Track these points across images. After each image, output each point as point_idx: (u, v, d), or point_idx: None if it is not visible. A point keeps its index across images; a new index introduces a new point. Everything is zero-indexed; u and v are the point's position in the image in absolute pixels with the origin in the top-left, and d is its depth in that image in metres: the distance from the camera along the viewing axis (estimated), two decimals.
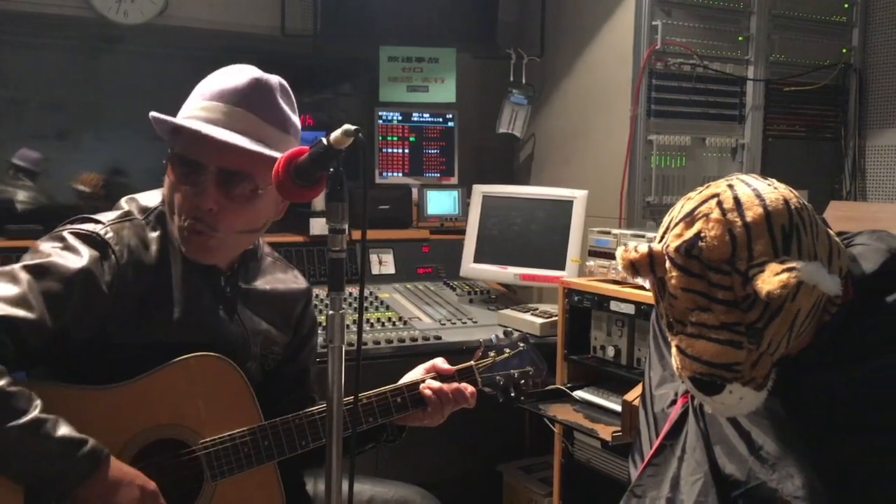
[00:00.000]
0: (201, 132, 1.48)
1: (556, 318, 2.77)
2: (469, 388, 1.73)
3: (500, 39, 3.66)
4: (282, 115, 1.59)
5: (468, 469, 3.29)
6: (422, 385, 1.71)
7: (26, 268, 1.43)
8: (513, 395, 1.83)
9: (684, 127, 3.19)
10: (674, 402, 1.55)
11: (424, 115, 3.67)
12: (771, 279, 1.16)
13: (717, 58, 3.21)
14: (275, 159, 1.35)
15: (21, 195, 4.15)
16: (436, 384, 1.71)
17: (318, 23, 3.46)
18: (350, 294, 2.97)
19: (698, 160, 3.22)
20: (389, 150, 3.61)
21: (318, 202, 3.24)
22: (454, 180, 3.68)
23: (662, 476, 1.47)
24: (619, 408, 2.37)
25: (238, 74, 1.56)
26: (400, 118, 3.65)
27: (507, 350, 1.83)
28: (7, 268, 1.43)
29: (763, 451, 1.39)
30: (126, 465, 1.42)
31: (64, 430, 1.35)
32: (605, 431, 2.40)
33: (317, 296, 2.81)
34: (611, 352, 2.59)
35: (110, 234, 1.51)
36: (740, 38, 3.25)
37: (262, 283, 1.73)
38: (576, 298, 2.67)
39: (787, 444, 1.37)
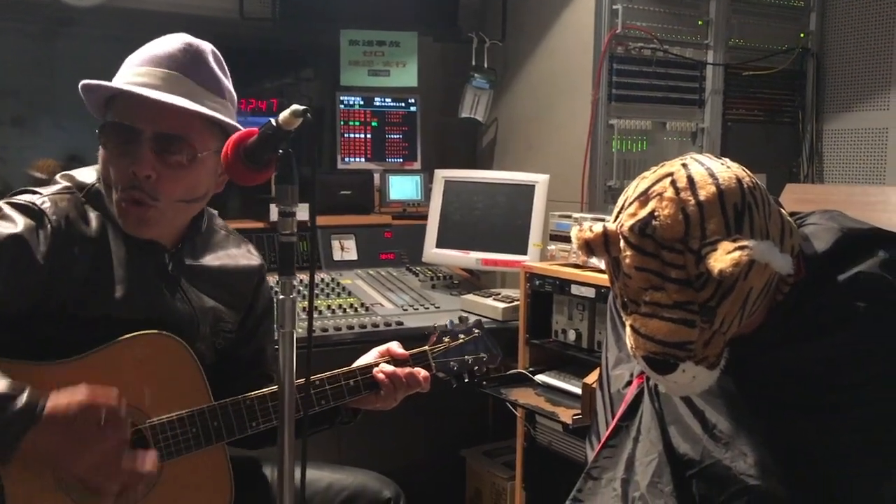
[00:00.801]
0: (141, 94, 1.45)
1: (518, 302, 2.77)
2: (422, 373, 1.73)
3: (461, 23, 3.63)
4: (216, 80, 1.58)
5: (431, 454, 3.28)
6: (375, 369, 1.69)
7: None
8: (466, 380, 1.83)
9: (645, 111, 3.19)
10: (629, 383, 1.56)
11: (386, 100, 3.63)
12: (723, 257, 1.16)
13: (678, 42, 3.22)
14: (214, 122, 1.32)
15: None
16: (389, 368, 1.70)
17: (277, 5, 3.41)
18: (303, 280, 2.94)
19: (659, 144, 3.23)
20: (351, 136, 3.58)
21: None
22: (417, 165, 3.65)
23: (618, 457, 1.48)
24: (579, 391, 2.38)
25: (170, 40, 1.55)
26: (362, 103, 3.61)
27: (462, 336, 1.83)
28: None
29: (717, 429, 1.39)
30: (63, 395, 1.35)
31: None
32: (566, 414, 2.41)
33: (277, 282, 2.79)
34: (572, 335, 2.59)
35: (47, 205, 1.48)
36: (700, 23, 3.26)
37: (210, 259, 1.70)
38: (537, 283, 2.67)
39: (740, 422, 1.38)
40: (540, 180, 3.05)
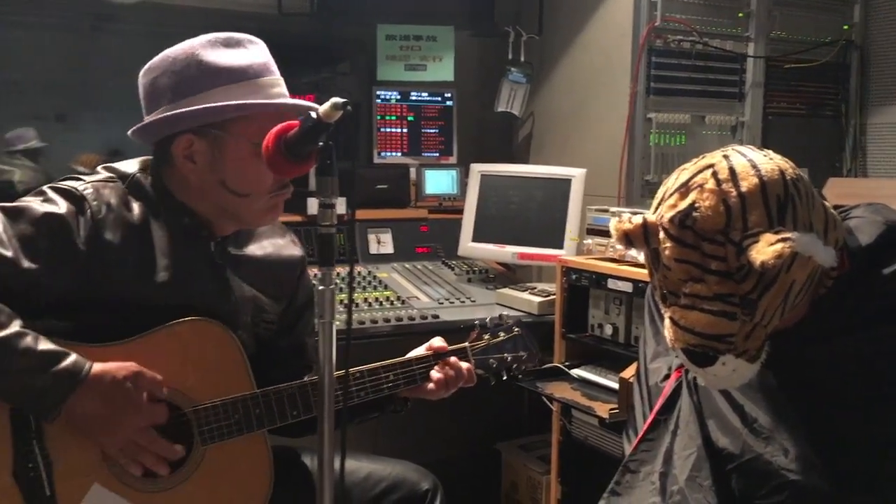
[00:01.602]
0: (293, 104, 1.56)
1: (554, 296, 2.76)
2: (465, 365, 1.74)
3: (498, 17, 3.63)
4: None
5: (466, 447, 3.29)
6: (430, 368, 1.72)
7: (2, 209, 1.44)
8: (504, 378, 1.83)
9: (684, 105, 3.16)
10: (667, 377, 1.55)
11: (423, 95, 3.64)
12: (765, 249, 1.15)
13: (718, 34, 3.18)
14: None
15: (20, 175, 4.15)
16: (444, 368, 1.72)
17: (314, 1, 3.43)
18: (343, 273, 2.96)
19: (698, 138, 3.20)
20: (387, 130, 3.59)
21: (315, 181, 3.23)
22: (453, 160, 3.66)
23: (656, 451, 1.47)
24: (616, 385, 2.37)
25: (251, 48, 1.59)
26: (398, 97, 3.62)
27: (503, 333, 1.83)
28: None
29: (757, 424, 1.38)
30: (107, 365, 1.41)
31: (45, 344, 1.35)
32: (603, 409, 2.40)
33: (315, 275, 2.82)
34: (608, 330, 2.58)
35: (90, 191, 1.51)
36: (741, 15, 3.22)
37: (255, 249, 1.72)
38: (574, 277, 2.66)
39: (780, 416, 1.37)
40: (577, 174, 3.04)
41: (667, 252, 1.26)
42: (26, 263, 1.40)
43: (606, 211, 2.63)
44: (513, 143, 3.82)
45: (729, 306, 1.22)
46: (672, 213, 1.25)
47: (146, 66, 1.59)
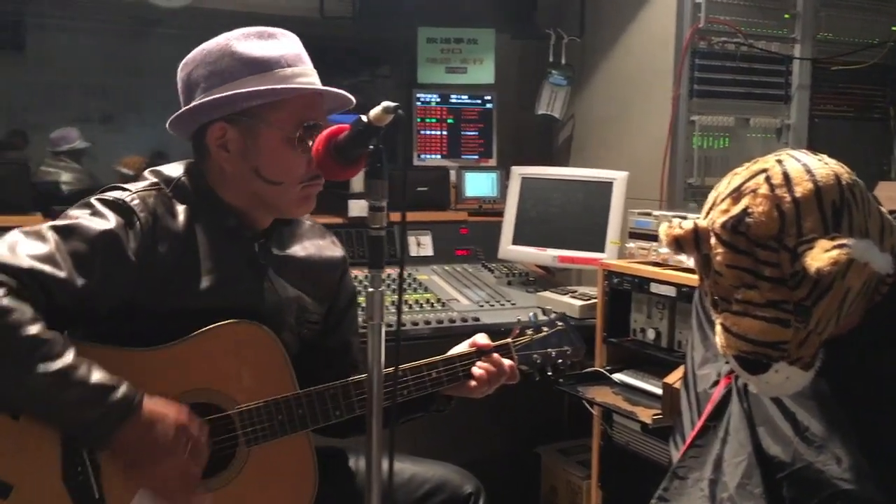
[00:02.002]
0: (326, 89, 1.58)
1: (596, 300, 2.75)
2: (507, 362, 1.73)
3: (539, 19, 3.62)
4: None
5: (505, 450, 3.28)
6: (470, 364, 1.72)
7: (54, 228, 1.45)
8: (549, 374, 1.81)
9: (728, 107, 3.13)
10: (716, 383, 1.53)
11: (462, 97, 3.64)
12: (821, 256, 1.14)
13: (763, 36, 3.14)
14: None
15: (65, 176, 4.23)
16: (486, 365, 1.71)
17: (356, 5, 3.45)
18: (388, 276, 2.97)
19: (742, 141, 3.17)
20: (427, 133, 3.60)
21: (357, 184, 3.25)
22: (492, 162, 3.65)
23: (705, 457, 1.45)
24: (658, 391, 2.35)
25: (283, 39, 1.61)
26: (438, 100, 3.63)
27: (546, 329, 1.81)
28: (34, 227, 1.45)
29: (809, 432, 1.36)
30: (157, 400, 1.42)
31: (98, 375, 1.36)
32: (645, 414, 2.38)
33: (355, 277, 2.83)
34: (651, 334, 2.56)
35: (136, 202, 1.52)
36: (786, 16, 3.18)
37: (297, 250, 1.73)
38: (615, 280, 2.64)
39: (833, 425, 1.34)
40: (618, 177, 3.02)
41: (718, 258, 1.24)
42: (80, 282, 1.42)
43: (649, 214, 2.61)
44: (552, 145, 3.81)
45: (782, 313, 1.21)
46: (724, 218, 1.24)
47: (183, 61, 1.62)
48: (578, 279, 3.39)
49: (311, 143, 1.52)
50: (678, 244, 1.29)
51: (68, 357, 1.34)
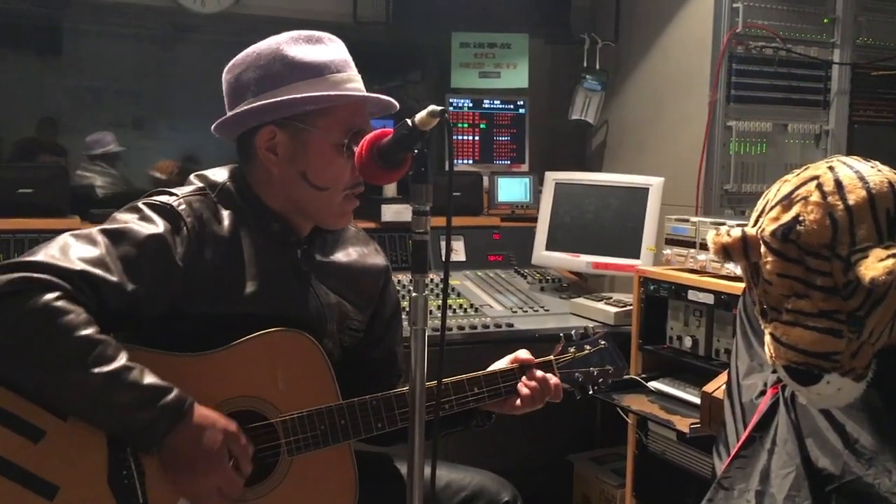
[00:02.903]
0: (376, 97, 1.60)
1: (631, 307, 2.72)
2: (553, 379, 1.71)
3: (573, 24, 3.60)
4: None
5: (539, 458, 3.26)
6: (517, 382, 1.70)
7: (104, 231, 1.46)
8: (591, 393, 1.79)
9: (765, 113, 3.09)
10: (762, 393, 1.50)
11: (495, 102, 3.64)
12: (875, 265, 1.11)
13: (801, 41, 3.10)
14: None
15: (101, 180, 4.28)
16: (532, 383, 1.70)
17: (390, 9, 3.46)
18: (431, 280, 2.97)
19: (779, 147, 3.13)
20: (460, 138, 3.59)
21: (390, 188, 3.25)
22: (525, 167, 3.64)
23: (752, 468, 1.43)
24: (696, 399, 2.32)
25: (330, 45, 1.62)
26: (470, 105, 3.62)
27: (588, 347, 1.79)
28: (85, 231, 1.46)
29: (859, 444, 1.33)
30: (207, 409, 1.43)
31: (150, 378, 1.37)
32: (683, 423, 2.35)
33: (399, 281, 2.82)
34: (688, 342, 2.53)
35: (183, 206, 1.53)
36: (825, 21, 3.14)
37: (340, 256, 1.73)
38: (651, 287, 2.61)
39: (884, 437, 1.31)
40: (654, 183, 2.99)
41: (768, 266, 1.22)
42: (131, 286, 1.43)
43: (687, 221, 2.58)
44: (586, 151, 3.79)
45: (835, 323, 1.18)
46: (774, 226, 1.21)
47: (230, 64, 1.63)
48: (612, 286, 3.37)
49: (355, 149, 1.52)
50: (726, 252, 1.27)
51: (122, 359, 1.35)
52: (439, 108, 1.26)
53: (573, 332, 1.80)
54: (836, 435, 1.35)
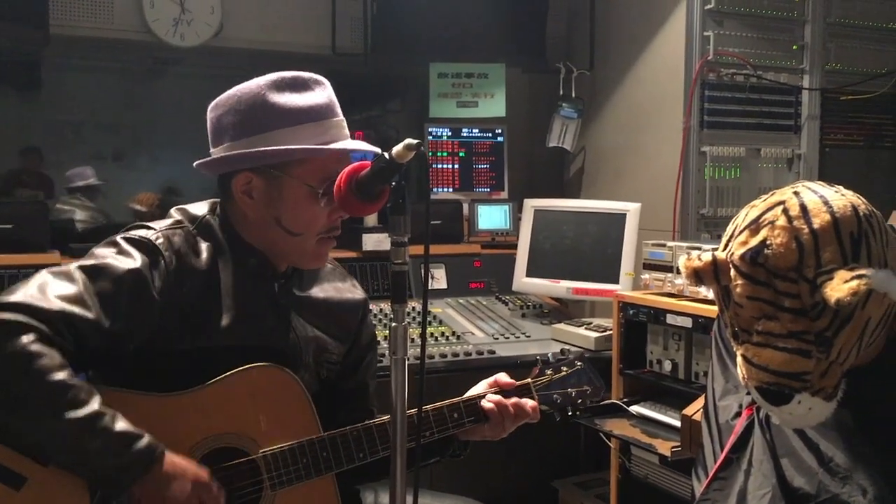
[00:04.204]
0: (353, 148, 1.57)
1: (611, 332, 2.75)
2: (530, 403, 1.72)
3: (549, 54, 3.67)
4: None
5: (523, 485, 3.26)
6: (482, 399, 1.70)
7: (82, 268, 1.46)
8: (570, 413, 1.81)
9: (738, 138, 3.15)
10: (738, 414, 1.53)
11: (474, 131, 3.68)
12: (840, 287, 1.14)
13: (772, 67, 3.17)
14: None
15: (80, 214, 4.28)
16: (496, 397, 1.70)
17: (368, 40, 3.51)
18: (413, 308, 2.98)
19: (753, 171, 3.18)
20: (439, 166, 3.63)
21: (370, 218, 3.27)
22: (504, 195, 3.68)
23: (729, 490, 1.44)
24: (677, 423, 2.34)
25: (316, 89, 1.61)
26: (449, 134, 3.67)
27: (565, 368, 1.81)
28: (63, 267, 1.46)
29: (833, 463, 1.35)
30: (178, 456, 1.43)
31: (121, 424, 1.37)
32: (664, 446, 2.37)
33: (372, 312, 2.83)
34: (668, 366, 2.55)
35: (161, 241, 1.54)
36: (795, 47, 3.21)
37: (317, 291, 1.74)
38: (631, 312, 2.64)
39: (858, 456, 1.34)
40: (631, 209, 3.04)
41: (738, 290, 1.25)
42: (108, 323, 1.43)
43: (664, 245, 2.62)
44: (564, 178, 3.83)
45: (804, 344, 1.21)
46: (743, 250, 1.24)
47: (214, 102, 1.63)
48: (592, 311, 3.39)
49: (326, 199, 1.56)
50: (697, 276, 1.29)
51: (94, 404, 1.35)
52: (415, 141, 1.28)
53: (549, 355, 1.83)
54: (810, 454, 1.38)
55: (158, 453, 1.39)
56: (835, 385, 1.25)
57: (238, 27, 3.44)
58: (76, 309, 1.40)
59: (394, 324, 1.31)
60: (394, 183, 1.32)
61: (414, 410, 1.40)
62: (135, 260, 1.49)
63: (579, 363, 1.82)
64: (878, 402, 1.33)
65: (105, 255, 1.50)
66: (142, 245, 1.52)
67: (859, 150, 3.35)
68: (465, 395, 1.73)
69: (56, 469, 1.38)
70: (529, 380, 1.78)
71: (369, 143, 1.64)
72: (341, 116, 1.63)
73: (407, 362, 1.33)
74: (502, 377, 1.76)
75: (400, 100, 4.20)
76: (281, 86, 1.59)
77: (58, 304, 1.39)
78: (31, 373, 1.32)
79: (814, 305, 1.20)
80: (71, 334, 1.39)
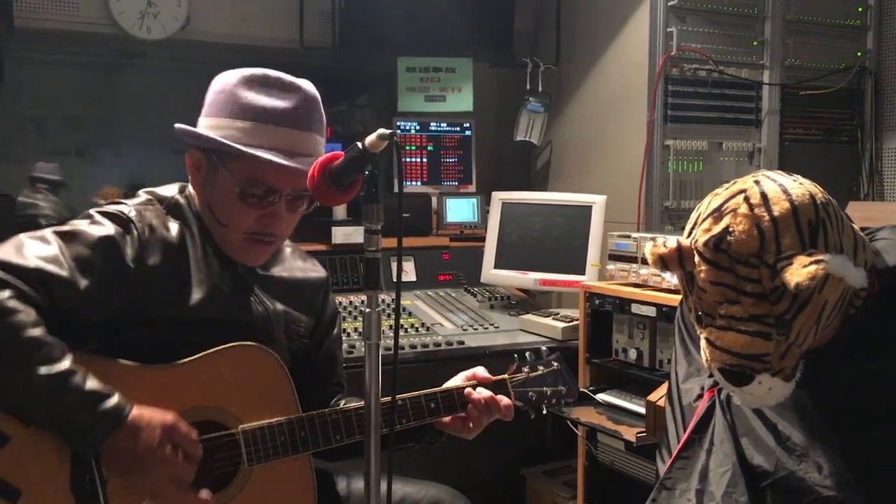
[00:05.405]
0: (290, 166, 1.55)
1: (577, 322, 2.80)
2: (504, 400, 1.75)
3: (516, 48, 3.70)
4: (325, 123, 1.69)
5: (491, 473, 3.29)
6: (459, 390, 1.74)
7: (57, 233, 1.49)
8: (545, 413, 1.84)
9: (701, 132, 3.22)
10: (700, 396, 1.58)
11: (442, 125, 3.71)
12: (799, 271, 1.19)
13: (733, 63, 3.24)
14: None
15: (43, 208, 4.24)
16: (472, 391, 1.73)
17: (336, 35, 3.52)
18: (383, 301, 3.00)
19: (715, 164, 3.25)
20: (408, 160, 3.66)
21: (340, 211, 3.29)
22: (472, 188, 3.72)
23: (691, 468, 1.50)
24: (642, 409, 2.40)
25: (288, 94, 1.62)
26: (418, 128, 3.69)
27: (541, 367, 1.84)
28: (38, 232, 1.50)
29: (790, 441, 1.41)
30: (145, 408, 1.45)
31: (92, 383, 1.40)
32: (630, 433, 2.43)
33: (339, 303, 2.85)
34: (633, 354, 2.61)
35: (133, 213, 1.58)
36: (755, 43, 3.28)
37: (279, 271, 1.78)
38: (597, 302, 2.69)
39: (813, 434, 1.39)
40: (597, 201, 3.09)
41: (702, 275, 1.30)
42: (83, 283, 1.46)
43: (629, 237, 2.67)
44: (531, 171, 3.88)
45: (764, 327, 1.26)
46: (706, 237, 1.29)
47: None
48: (559, 301, 3.44)
49: (271, 202, 1.60)
50: (663, 262, 1.34)
51: (66, 362, 1.39)
52: (388, 130, 1.31)
53: (527, 354, 1.85)
54: (768, 433, 1.43)
55: (126, 412, 1.42)
56: (793, 366, 1.30)
57: (205, 20, 3.43)
58: (52, 268, 1.43)
59: (367, 310, 1.34)
60: (367, 172, 1.35)
61: (387, 399, 1.43)
62: (108, 228, 1.53)
63: (556, 364, 1.85)
64: (832, 382, 1.39)
65: (79, 223, 1.54)
66: (114, 217, 1.56)
67: (817, 143, 3.43)
68: (443, 386, 1.76)
69: (38, 430, 1.40)
70: (506, 376, 1.82)
71: (337, 138, 1.66)
72: (310, 131, 1.63)
73: (381, 349, 1.36)
74: (480, 371, 1.80)
75: (368, 94, 4.21)
76: (252, 80, 1.63)
77: (34, 262, 1.42)
78: (5, 327, 1.35)
79: (774, 290, 1.25)
80: (46, 293, 1.42)
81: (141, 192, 1.68)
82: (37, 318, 1.38)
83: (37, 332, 1.37)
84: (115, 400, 1.41)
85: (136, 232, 1.55)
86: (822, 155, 3.44)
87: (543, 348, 1.88)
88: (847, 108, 3.49)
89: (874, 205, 3.29)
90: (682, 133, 3.18)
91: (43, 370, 1.36)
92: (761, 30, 3.30)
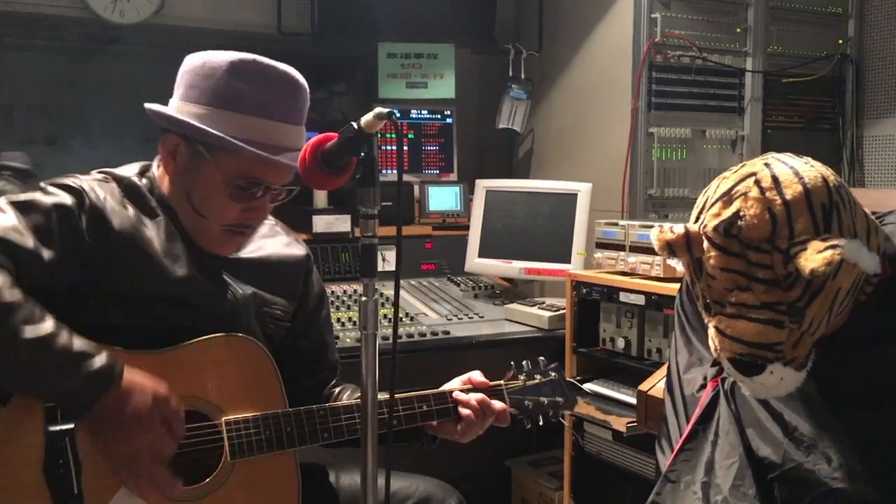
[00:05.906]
0: (289, 164, 1.50)
1: (564, 310, 2.76)
2: (499, 404, 1.70)
3: (498, 35, 3.65)
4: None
5: (475, 464, 3.26)
6: (455, 394, 1.69)
7: (11, 203, 1.43)
8: (541, 423, 1.80)
9: (685, 119, 3.19)
10: (703, 387, 1.54)
11: (423, 112, 3.65)
12: (814, 257, 1.16)
13: (717, 50, 3.22)
14: None
15: (11, 195, 4.11)
16: (465, 396, 1.69)
17: (315, 20, 3.44)
18: (355, 291, 2.95)
19: (699, 152, 3.23)
20: (389, 148, 3.58)
21: (321, 199, 3.22)
22: (453, 176, 3.66)
23: (696, 460, 1.46)
24: (630, 399, 2.37)
25: (285, 86, 1.56)
26: (399, 115, 3.61)
27: (539, 377, 1.80)
28: None
29: (797, 432, 1.38)
30: (136, 371, 1.41)
31: (79, 343, 1.35)
32: (619, 423, 2.40)
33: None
34: (620, 343, 2.58)
35: (86, 185, 1.51)
36: (738, 30, 3.26)
37: (248, 252, 1.70)
38: (584, 291, 2.66)
39: (822, 425, 1.36)
40: (583, 189, 3.05)
41: (712, 261, 1.26)
42: (46, 253, 1.41)
43: (616, 224, 2.64)
44: (513, 159, 3.84)
45: (776, 314, 1.22)
46: (716, 221, 1.25)
47: (192, 54, 1.59)
48: (542, 291, 3.41)
49: (258, 197, 1.55)
50: (670, 248, 1.30)
51: (48, 323, 1.33)
52: (386, 110, 1.26)
53: (524, 362, 1.81)
54: (775, 424, 1.40)
55: (118, 370, 1.37)
56: (806, 355, 1.27)
57: (180, 4, 3.33)
58: (14, 237, 1.38)
59: (364, 298, 1.29)
60: (363, 154, 1.29)
61: (385, 396, 1.39)
62: (63, 198, 1.47)
63: (553, 373, 1.81)
64: (842, 371, 1.36)
65: (33, 194, 1.47)
66: (66, 187, 1.49)
67: (799, 131, 3.43)
68: (438, 389, 1.72)
69: (13, 409, 1.36)
70: (502, 382, 1.78)
71: (315, 126, 1.61)
72: (299, 126, 1.59)
73: (378, 338, 1.31)
74: (476, 375, 1.75)
75: (347, 81, 4.13)
76: (243, 67, 1.54)
77: None
78: None
79: (786, 276, 1.21)
80: (12, 262, 1.36)
81: (94, 171, 1.60)
82: (12, 280, 1.33)
83: (16, 295, 1.32)
84: (104, 358, 1.36)
85: (89, 203, 1.48)
86: (804, 143, 3.42)
87: (542, 358, 1.84)
88: (828, 95, 3.49)
89: (862, 192, 3.29)
90: (666, 120, 3.15)
91: (27, 332, 1.30)
92: (745, 17, 3.28)
